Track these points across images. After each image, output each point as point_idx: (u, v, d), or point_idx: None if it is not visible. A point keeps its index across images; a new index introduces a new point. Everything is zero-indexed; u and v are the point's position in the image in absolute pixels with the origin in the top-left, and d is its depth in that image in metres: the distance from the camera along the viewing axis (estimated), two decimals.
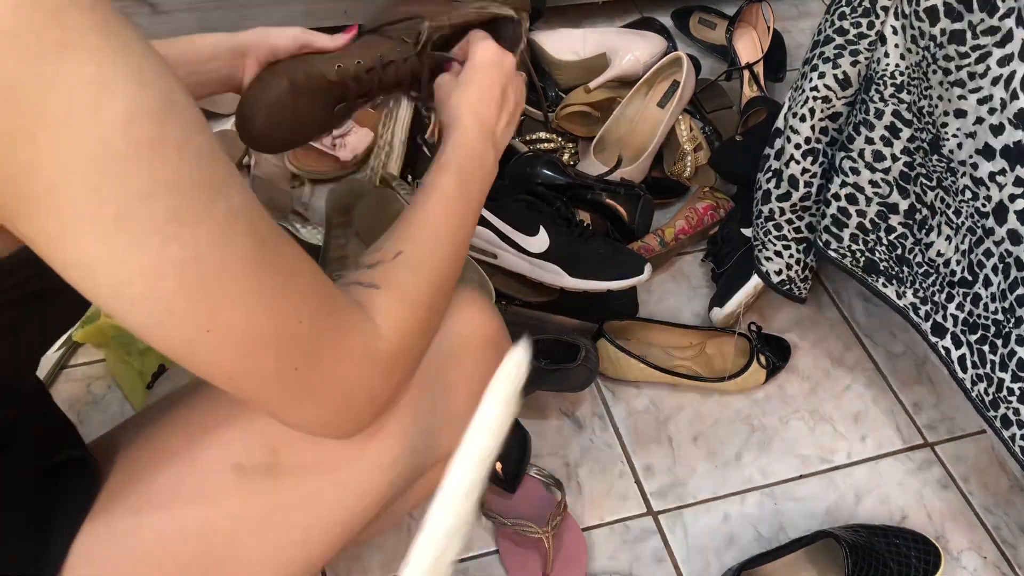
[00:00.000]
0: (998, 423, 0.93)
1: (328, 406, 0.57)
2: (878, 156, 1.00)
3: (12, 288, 0.49)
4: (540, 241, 1.13)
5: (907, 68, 0.96)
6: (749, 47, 1.56)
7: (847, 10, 1.01)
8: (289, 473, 0.64)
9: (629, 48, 1.45)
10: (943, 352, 0.98)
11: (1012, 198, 0.86)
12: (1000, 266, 0.89)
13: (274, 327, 0.51)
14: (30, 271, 0.47)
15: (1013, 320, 0.89)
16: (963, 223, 0.94)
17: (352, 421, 0.60)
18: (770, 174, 1.11)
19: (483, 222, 1.15)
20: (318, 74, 0.78)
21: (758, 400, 1.19)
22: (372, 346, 0.58)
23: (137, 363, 1.12)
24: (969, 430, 1.18)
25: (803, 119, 1.06)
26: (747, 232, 1.24)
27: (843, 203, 1.04)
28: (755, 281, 1.21)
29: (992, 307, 0.92)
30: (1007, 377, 0.91)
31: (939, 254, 0.98)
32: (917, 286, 1.02)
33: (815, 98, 1.04)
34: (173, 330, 0.48)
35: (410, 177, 1.29)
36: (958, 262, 0.95)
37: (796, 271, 1.16)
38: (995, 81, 0.85)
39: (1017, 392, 0.90)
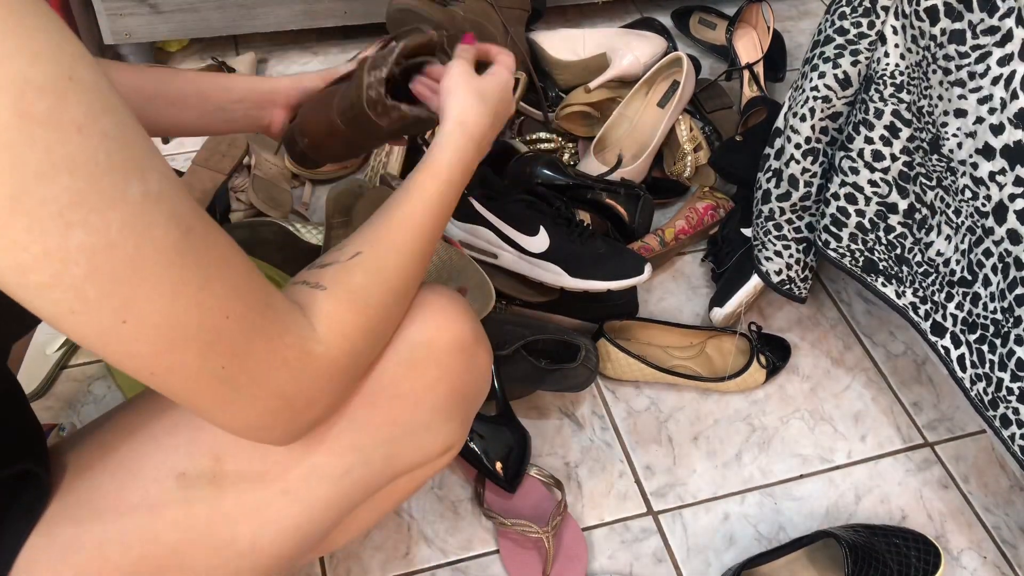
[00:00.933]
0: (997, 423, 0.93)
1: (260, 409, 0.55)
2: (878, 156, 1.00)
3: None
4: (540, 241, 1.13)
5: (907, 68, 0.96)
6: (749, 47, 1.57)
7: (847, 10, 1.01)
8: (233, 482, 0.63)
9: (629, 48, 1.45)
10: (942, 351, 0.98)
11: (1012, 198, 0.86)
12: (999, 266, 0.89)
13: (197, 321, 0.49)
14: None
15: (1012, 320, 0.89)
16: (963, 223, 0.94)
17: (289, 426, 0.58)
18: (770, 174, 1.12)
19: (483, 222, 1.15)
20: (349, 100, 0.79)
21: (758, 400, 1.19)
22: (308, 349, 0.56)
23: None
24: (969, 430, 1.18)
25: (803, 119, 1.06)
26: (747, 232, 1.24)
27: (842, 203, 1.04)
28: (755, 281, 1.21)
29: (991, 307, 0.92)
30: (1006, 376, 0.91)
31: (939, 253, 0.98)
32: (916, 285, 1.02)
33: (815, 98, 1.04)
34: (86, 320, 0.46)
35: None
36: (957, 262, 0.95)
37: (796, 271, 1.16)
38: (995, 81, 0.85)
39: (1016, 392, 0.90)
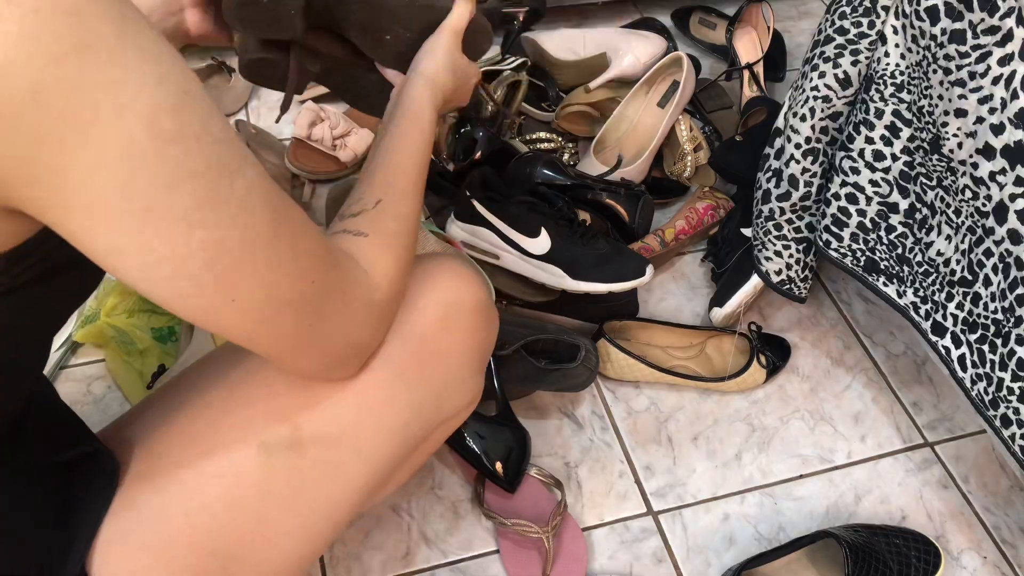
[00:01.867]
0: (998, 422, 0.93)
1: (336, 354, 0.62)
2: (878, 156, 1.00)
3: (28, 268, 0.50)
4: (542, 243, 1.13)
5: (907, 68, 0.96)
6: (749, 47, 1.56)
7: (848, 10, 1.01)
8: (310, 446, 0.67)
9: (629, 48, 1.45)
10: (943, 351, 0.98)
11: (1012, 197, 0.86)
12: (1000, 265, 0.89)
13: (292, 290, 0.54)
14: (43, 250, 0.49)
15: (1013, 319, 0.89)
16: (963, 222, 0.94)
17: (356, 362, 0.66)
18: (770, 174, 1.11)
19: (485, 223, 1.15)
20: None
21: (758, 400, 1.19)
22: (370, 298, 0.63)
23: (137, 363, 1.12)
24: (969, 430, 1.18)
25: (803, 119, 1.06)
26: (747, 232, 1.24)
27: (843, 203, 1.04)
28: (755, 281, 1.21)
29: (992, 306, 0.92)
30: (1007, 376, 0.91)
31: (939, 253, 0.98)
32: (917, 285, 1.02)
33: (815, 97, 1.04)
34: (200, 302, 0.51)
35: None
36: (958, 261, 0.95)
37: (796, 271, 1.16)
38: (995, 80, 0.85)
39: (1017, 391, 0.90)
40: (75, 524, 0.61)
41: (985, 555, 1.05)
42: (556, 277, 1.12)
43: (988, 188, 0.88)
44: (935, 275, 0.99)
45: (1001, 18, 0.84)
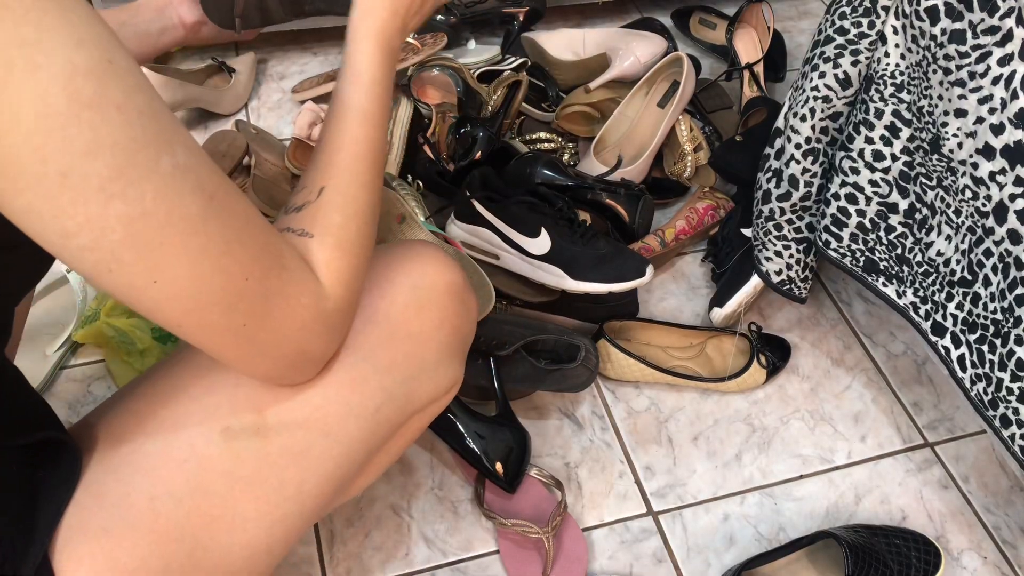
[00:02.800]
0: (997, 423, 0.93)
1: (280, 361, 0.60)
2: (878, 156, 1.00)
3: None
4: (542, 243, 1.13)
5: (907, 68, 0.96)
6: (749, 47, 1.56)
7: (848, 10, 1.01)
8: (276, 431, 0.66)
9: (629, 48, 1.45)
10: (943, 351, 0.98)
11: (1012, 198, 0.86)
12: (1000, 266, 0.89)
13: (220, 283, 0.53)
14: None
15: (1012, 320, 0.89)
16: (963, 223, 0.94)
17: (305, 370, 0.64)
18: (770, 174, 1.11)
19: (485, 223, 1.15)
20: None
21: (758, 400, 1.19)
22: (321, 306, 0.60)
23: (137, 363, 1.12)
24: (969, 430, 1.18)
25: (803, 119, 1.06)
26: (747, 232, 1.24)
27: (843, 203, 1.04)
28: (755, 281, 1.21)
29: (991, 307, 0.92)
30: (1006, 377, 0.90)
31: (939, 253, 0.98)
32: (917, 285, 1.02)
33: (815, 98, 1.04)
34: (120, 279, 0.50)
35: (410, 177, 1.29)
36: (958, 261, 0.95)
37: (796, 271, 1.16)
38: (995, 81, 0.85)
39: (1016, 392, 0.90)
40: (38, 511, 0.61)
41: (985, 555, 1.05)
42: (556, 277, 1.12)
43: (988, 188, 0.88)
44: (935, 275, 0.99)
45: (1001, 18, 0.84)
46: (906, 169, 0.99)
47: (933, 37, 0.90)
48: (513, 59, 1.53)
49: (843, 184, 1.03)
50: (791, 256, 1.15)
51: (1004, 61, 0.84)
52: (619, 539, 1.04)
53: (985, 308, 0.93)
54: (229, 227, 0.53)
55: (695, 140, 1.38)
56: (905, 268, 1.03)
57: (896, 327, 1.28)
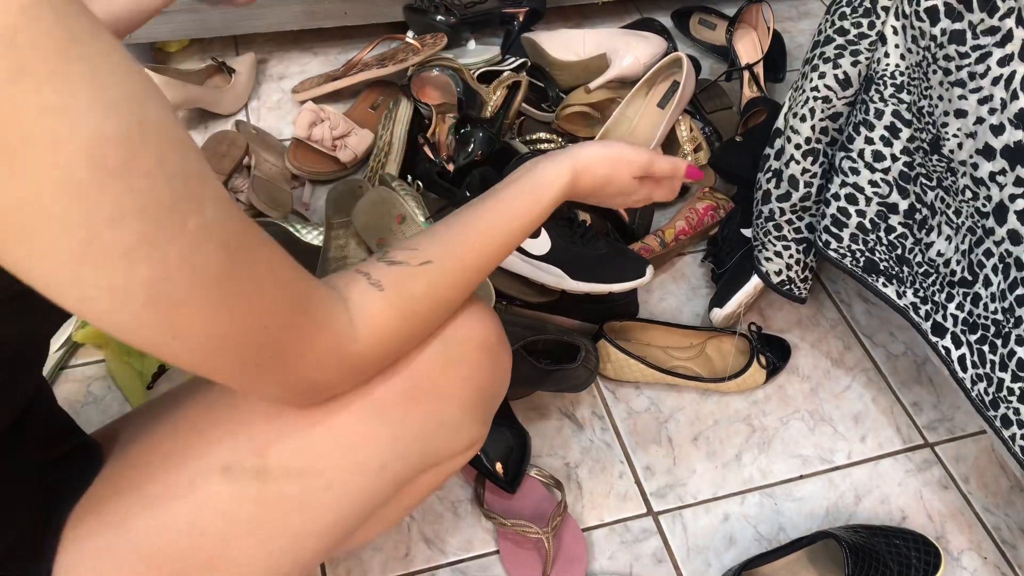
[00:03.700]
0: (998, 423, 0.93)
1: (287, 389, 0.58)
2: (878, 156, 1.00)
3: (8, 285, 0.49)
4: (542, 243, 1.13)
5: (907, 68, 0.96)
6: (749, 48, 1.57)
7: (847, 10, 1.01)
8: (277, 478, 0.64)
9: (629, 48, 1.45)
10: (943, 352, 0.98)
11: (1012, 198, 0.86)
12: (1000, 266, 0.89)
13: (238, 335, 0.51)
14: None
15: (1013, 320, 0.89)
16: (963, 223, 0.94)
17: (310, 400, 0.62)
18: (770, 174, 1.12)
19: None
20: None
21: (758, 400, 1.19)
22: (342, 347, 0.58)
23: (137, 363, 1.12)
24: (969, 430, 1.18)
25: (803, 119, 1.06)
26: (747, 232, 1.24)
27: (843, 203, 1.04)
28: (755, 281, 1.21)
29: (992, 307, 0.92)
30: (1007, 377, 0.91)
31: (939, 254, 0.98)
32: (917, 286, 1.02)
33: (815, 98, 1.04)
34: (140, 336, 0.49)
35: (409, 177, 1.29)
36: (958, 262, 0.95)
37: (796, 271, 1.16)
38: (995, 81, 0.85)
39: (1017, 392, 0.90)
40: (49, 524, 0.61)
41: (985, 555, 1.05)
42: (556, 278, 1.12)
43: (988, 188, 0.88)
44: (935, 276, 0.99)
45: (1001, 18, 0.84)
46: (906, 169, 0.99)
47: (933, 37, 0.90)
48: (513, 59, 1.54)
49: (843, 184, 1.03)
50: (791, 256, 1.15)
51: (1004, 62, 0.84)
52: (619, 539, 1.04)
53: (986, 308, 0.93)
54: (252, 279, 0.51)
55: (695, 140, 1.38)
56: (905, 268, 1.03)
57: (896, 327, 1.28)
